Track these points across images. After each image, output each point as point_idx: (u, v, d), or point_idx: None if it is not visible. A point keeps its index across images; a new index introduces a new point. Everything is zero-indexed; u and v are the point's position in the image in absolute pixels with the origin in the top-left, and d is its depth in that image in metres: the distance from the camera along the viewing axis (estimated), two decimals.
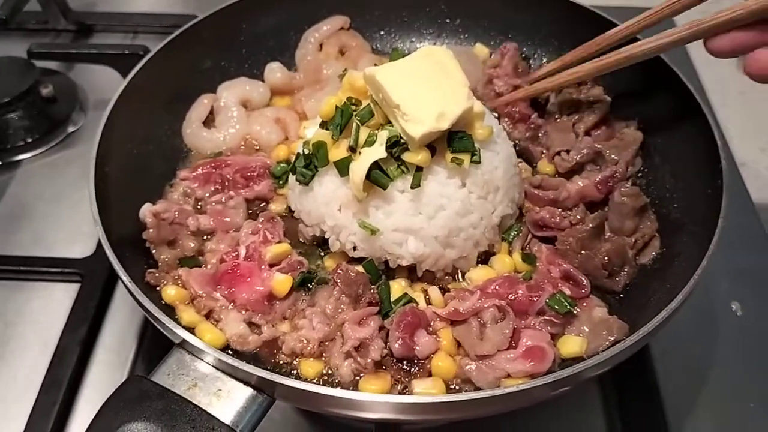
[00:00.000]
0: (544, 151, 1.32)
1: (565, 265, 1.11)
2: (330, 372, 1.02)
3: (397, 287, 1.10)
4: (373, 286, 1.08)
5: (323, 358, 1.03)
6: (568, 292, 1.07)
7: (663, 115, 1.29)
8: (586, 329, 1.04)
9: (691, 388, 1.23)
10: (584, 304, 1.07)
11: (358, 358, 0.99)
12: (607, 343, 1.01)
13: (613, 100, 1.34)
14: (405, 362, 1.02)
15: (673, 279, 1.04)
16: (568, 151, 1.28)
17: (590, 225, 1.13)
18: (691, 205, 1.16)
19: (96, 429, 0.83)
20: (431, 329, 1.05)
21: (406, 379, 1.01)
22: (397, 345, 1.00)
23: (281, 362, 1.04)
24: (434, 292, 1.12)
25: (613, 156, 1.25)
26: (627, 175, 1.25)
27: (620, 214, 1.15)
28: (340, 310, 1.06)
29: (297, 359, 1.03)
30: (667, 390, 1.21)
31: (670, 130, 1.27)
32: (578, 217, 1.17)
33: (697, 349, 1.28)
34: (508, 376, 0.99)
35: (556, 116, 1.36)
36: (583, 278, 1.09)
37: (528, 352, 1.00)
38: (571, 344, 1.02)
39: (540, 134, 1.33)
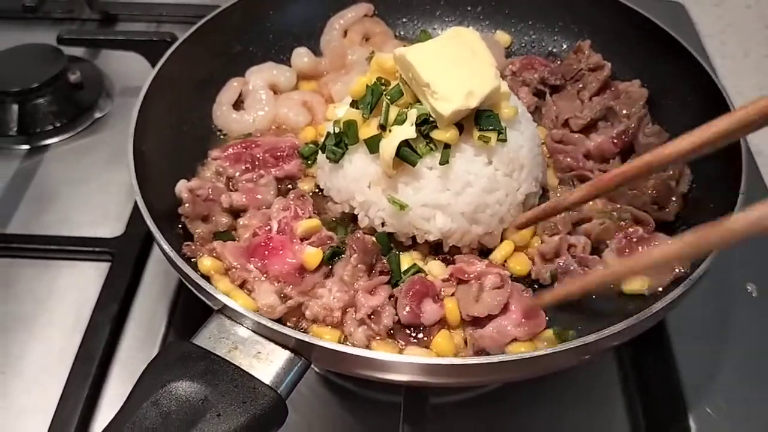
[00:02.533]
0: (551, 120, 1.36)
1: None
2: (345, 339, 1.06)
3: (407, 259, 1.14)
4: (383, 257, 1.12)
5: (342, 327, 1.07)
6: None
7: (664, 74, 1.34)
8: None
9: (707, 367, 1.25)
10: (655, 242, 1.12)
11: (372, 325, 1.04)
12: (666, 279, 1.06)
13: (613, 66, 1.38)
14: (411, 329, 1.07)
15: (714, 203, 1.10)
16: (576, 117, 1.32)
17: None
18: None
19: (142, 386, 0.86)
20: (437, 298, 1.09)
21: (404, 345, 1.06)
22: (405, 312, 1.05)
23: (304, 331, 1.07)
24: (436, 264, 1.15)
25: (623, 111, 1.29)
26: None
27: None
28: (357, 278, 1.09)
29: (311, 328, 1.06)
30: (685, 368, 1.23)
31: (671, 87, 1.33)
32: (616, 165, 1.23)
33: (713, 329, 1.31)
34: (515, 339, 1.03)
35: (559, 88, 1.40)
36: (647, 216, 1.15)
37: (519, 315, 1.05)
38: (634, 282, 1.07)
39: (543, 108, 1.38)
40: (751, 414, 1.20)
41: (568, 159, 1.26)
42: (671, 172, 1.20)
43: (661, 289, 1.07)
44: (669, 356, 1.25)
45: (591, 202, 1.18)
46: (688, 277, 0.99)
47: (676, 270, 1.07)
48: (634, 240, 1.14)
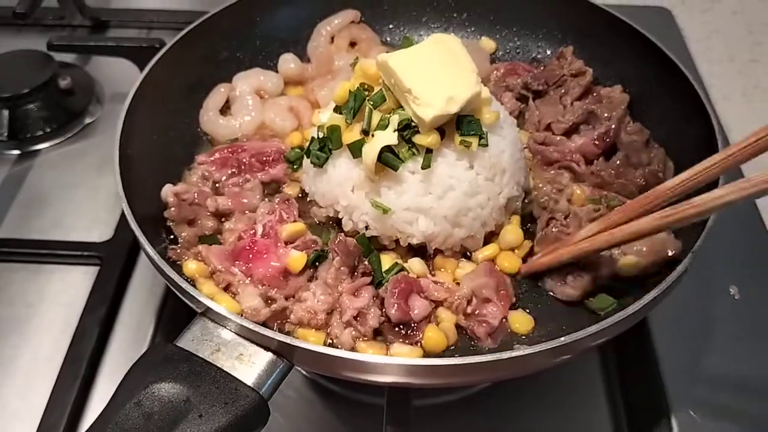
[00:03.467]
0: (534, 125, 1.37)
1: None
2: (331, 342, 1.07)
3: (388, 259, 1.15)
4: (365, 259, 1.13)
5: (327, 329, 1.08)
6: None
7: (646, 80, 1.36)
8: (644, 249, 1.10)
9: (690, 369, 1.26)
10: None
11: (358, 327, 1.05)
12: (659, 261, 1.09)
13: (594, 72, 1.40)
14: (402, 327, 1.08)
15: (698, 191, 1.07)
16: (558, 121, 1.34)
17: (617, 161, 1.24)
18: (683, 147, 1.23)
19: (125, 387, 0.87)
20: (423, 295, 1.10)
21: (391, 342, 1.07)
22: (393, 311, 1.05)
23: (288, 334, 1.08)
24: (416, 261, 1.17)
25: (605, 114, 1.31)
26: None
27: (634, 150, 1.24)
28: (341, 281, 1.10)
29: (297, 330, 1.07)
30: (667, 370, 1.25)
31: (653, 93, 1.35)
32: (601, 166, 1.25)
33: (696, 331, 1.32)
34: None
35: (542, 93, 1.42)
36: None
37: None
38: (627, 261, 1.10)
39: (527, 113, 1.40)
40: (733, 416, 1.21)
41: (556, 153, 1.28)
42: (657, 166, 1.22)
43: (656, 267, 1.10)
44: (652, 358, 1.26)
45: (579, 191, 1.22)
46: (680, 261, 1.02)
47: (670, 252, 1.09)
48: None
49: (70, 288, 1.40)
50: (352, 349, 1.04)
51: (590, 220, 1.14)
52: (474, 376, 1.02)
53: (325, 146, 1.17)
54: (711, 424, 1.20)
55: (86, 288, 1.37)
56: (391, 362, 0.93)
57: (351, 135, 1.13)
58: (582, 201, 1.21)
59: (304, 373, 1.26)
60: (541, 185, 1.27)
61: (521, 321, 1.09)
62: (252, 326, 0.92)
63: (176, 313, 1.33)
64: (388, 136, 1.10)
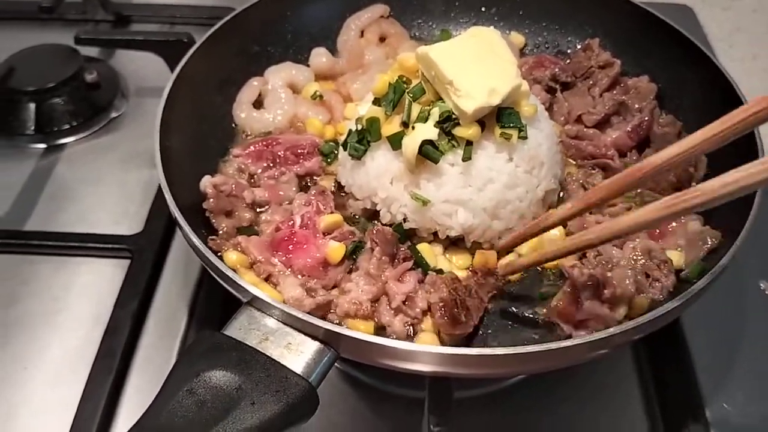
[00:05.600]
0: (563, 116, 1.38)
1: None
2: (382, 329, 1.07)
3: (426, 248, 1.16)
4: (402, 246, 1.15)
5: (374, 318, 1.08)
6: None
7: (674, 72, 1.37)
8: (683, 242, 1.12)
9: (723, 363, 1.27)
10: (681, 219, 1.14)
11: (408, 311, 1.06)
12: (704, 252, 1.09)
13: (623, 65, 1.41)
14: None
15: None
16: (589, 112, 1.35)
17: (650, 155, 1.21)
18: None
19: (176, 376, 0.87)
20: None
21: None
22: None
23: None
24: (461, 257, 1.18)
25: (635, 105, 1.32)
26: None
27: (666, 142, 1.23)
28: (383, 269, 1.10)
29: (346, 321, 1.08)
30: (700, 364, 1.25)
31: (684, 85, 1.36)
32: (634, 158, 1.27)
33: (727, 326, 1.32)
34: None
35: (570, 85, 1.43)
36: None
37: None
38: (672, 258, 1.09)
39: (555, 106, 1.40)
40: (767, 408, 1.21)
41: (590, 147, 1.29)
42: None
43: (701, 258, 1.10)
44: (685, 352, 1.27)
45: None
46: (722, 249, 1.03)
47: (710, 242, 1.10)
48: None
49: (100, 281, 1.39)
50: (408, 337, 1.05)
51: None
52: (516, 366, 1.01)
53: (364, 138, 1.17)
54: (745, 416, 1.20)
55: (117, 281, 1.36)
56: (436, 351, 0.94)
57: (390, 127, 1.14)
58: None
59: (339, 366, 1.26)
60: (572, 179, 1.28)
61: None
62: (300, 314, 0.92)
63: (210, 305, 1.33)
64: (429, 130, 1.11)
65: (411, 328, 1.07)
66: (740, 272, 1.38)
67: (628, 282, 1.03)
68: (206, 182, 1.18)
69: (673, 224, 1.15)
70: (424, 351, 0.92)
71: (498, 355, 0.92)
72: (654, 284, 1.06)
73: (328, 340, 0.93)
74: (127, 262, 1.40)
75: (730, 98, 1.23)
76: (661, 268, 1.06)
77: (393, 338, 1.05)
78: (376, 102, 1.18)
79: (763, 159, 0.83)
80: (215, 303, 1.32)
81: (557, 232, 1.16)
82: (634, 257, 1.09)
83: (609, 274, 1.03)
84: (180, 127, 1.26)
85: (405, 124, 1.13)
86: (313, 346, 0.92)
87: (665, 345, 1.27)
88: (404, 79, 1.17)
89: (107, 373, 1.22)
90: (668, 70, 1.38)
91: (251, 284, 0.98)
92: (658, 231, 1.15)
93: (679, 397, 1.22)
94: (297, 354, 0.91)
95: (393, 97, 1.14)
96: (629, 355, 1.29)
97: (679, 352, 1.27)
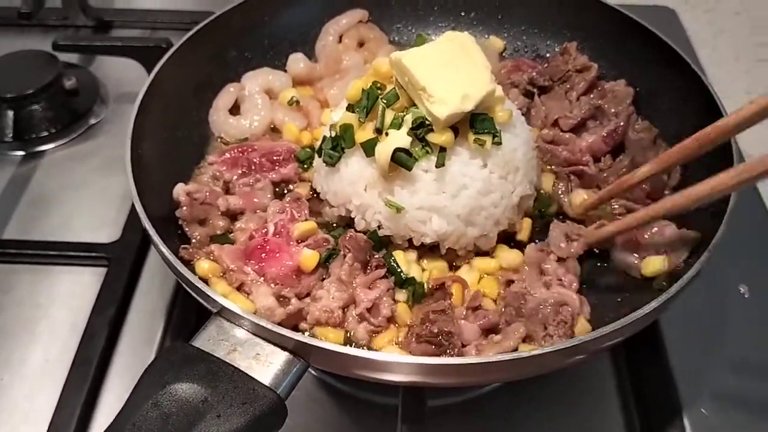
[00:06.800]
0: (541, 120, 1.38)
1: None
2: (349, 337, 1.07)
3: (402, 257, 1.15)
4: (376, 253, 1.14)
5: (345, 326, 1.08)
6: None
7: (654, 76, 1.37)
8: (664, 249, 1.13)
9: (702, 368, 1.26)
10: (654, 229, 1.15)
11: (371, 319, 1.05)
12: (683, 256, 1.11)
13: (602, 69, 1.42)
14: None
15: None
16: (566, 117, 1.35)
17: (625, 162, 1.25)
18: None
19: (142, 388, 0.86)
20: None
21: None
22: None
23: (303, 332, 1.08)
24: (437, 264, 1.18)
25: (612, 109, 1.32)
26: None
27: (641, 148, 1.26)
28: (354, 276, 1.10)
29: (315, 328, 1.08)
30: (679, 369, 1.24)
31: (662, 89, 1.36)
32: (608, 163, 1.26)
33: (707, 331, 1.32)
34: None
35: (547, 89, 1.42)
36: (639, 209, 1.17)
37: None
38: (653, 263, 1.12)
39: (533, 110, 1.40)
40: (745, 413, 1.21)
41: (566, 152, 1.28)
42: None
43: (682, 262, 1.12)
44: (663, 357, 1.26)
45: (586, 196, 1.23)
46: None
47: (690, 243, 1.12)
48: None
49: (78, 289, 1.38)
50: (369, 343, 1.05)
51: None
52: (488, 375, 1.01)
53: (338, 145, 1.17)
54: (723, 422, 1.19)
55: (94, 289, 1.36)
56: (408, 361, 0.93)
57: (364, 134, 1.13)
58: (585, 207, 1.22)
59: (314, 373, 1.25)
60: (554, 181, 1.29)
61: None
62: (269, 325, 0.91)
63: (186, 313, 1.32)
64: (402, 138, 1.10)
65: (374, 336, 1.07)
66: (719, 276, 1.38)
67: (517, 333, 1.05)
68: (179, 190, 1.17)
69: (648, 233, 1.15)
70: (393, 361, 0.91)
71: (471, 364, 0.92)
72: (546, 338, 1.05)
73: (297, 350, 0.92)
74: (104, 270, 1.39)
75: (708, 102, 1.23)
76: (558, 326, 1.05)
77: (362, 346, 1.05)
78: (350, 108, 1.17)
79: None
80: (192, 311, 1.31)
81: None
82: (544, 305, 1.08)
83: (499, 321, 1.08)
84: (154, 134, 1.25)
85: (378, 131, 1.12)
86: (282, 356, 0.92)
87: (644, 350, 1.27)
88: (378, 84, 1.16)
89: (83, 381, 1.22)
90: (646, 74, 1.38)
91: (221, 294, 0.98)
92: (634, 239, 1.16)
93: (658, 402, 1.21)
94: (265, 365, 0.91)
95: (366, 104, 1.13)
96: (608, 361, 1.28)
97: (658, 357, 1.26)
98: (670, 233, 1.15)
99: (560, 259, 1.15)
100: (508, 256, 1.18)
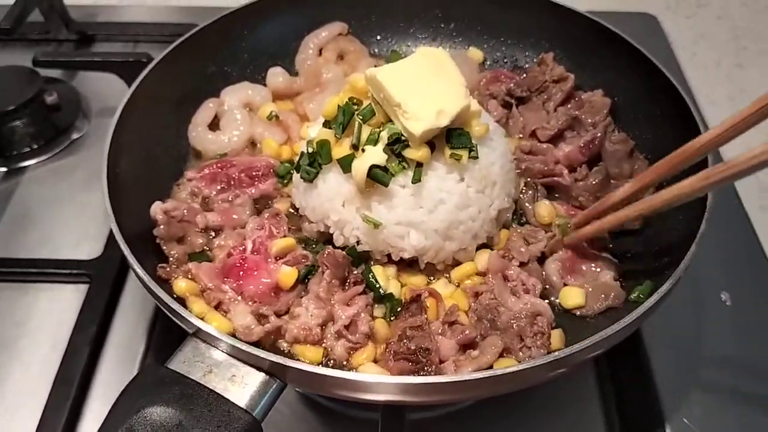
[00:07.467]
0: (519, 131, 1.39)
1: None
2: (327, 355, 1.07)
3: (380, 271, 1.16)
4: (355, 269, 1.14)
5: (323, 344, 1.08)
6: None
7: (632, 86, 1.38)
8: (590, 288, 1.13)
9: (684, 377, 1.26)
10: (598, 267, 1.16)
11: (349, 336, 1.05)
12: (600, 306, 1.11)
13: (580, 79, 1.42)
14: None
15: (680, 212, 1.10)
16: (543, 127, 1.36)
17: (599, 176, 1.25)
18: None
19: (117, 413, 0.86)
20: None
21: None
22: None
23: (282, 351, 1.08)
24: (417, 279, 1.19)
25: (589, 120, 1.33)
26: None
27: (616, 160, 1.26)
28: (332, 293, 1.10)
29: (294, 347, 1.07)
30: (661, 378, 1.25)
31: (640, 99, 1.36)
32: (583, 173, 1.26)
33: (689, 338, 1.32)
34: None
35: (525, 99, 1.43)
36: None
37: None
38: (574, 295, 1.13)
39: (511, 120, 1.40)
40: (727, 423, 1.21)
41: (539, 164, 1.29)
42: None
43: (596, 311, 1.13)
44: (646, 366, 1.27)
45: (552, 207, 1.23)
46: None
47: (610, 301, 1.12)
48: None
49: (59, 306, 1.38)
50: (347, 360, 1.05)
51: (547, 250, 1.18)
52: (469, 392, 1.01)
53: (315, 161, 1.17)
54: (705, 431, 1.19)
55: (76, 306, 1.35)
56: (384, 381, 0.93)
57: (341, 150, 1.13)
58: (552, 217, 1.23)
59: (297, 389, 1.25)
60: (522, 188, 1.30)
61: None
62: (244, 347, 0.91)
63: (168, 330, 1.31)
64: (378, 154, 1.10)
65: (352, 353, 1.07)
66: (701, 284, 1.38)
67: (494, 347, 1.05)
68: (156, 209, 1.17)
69: (591, 266, 1.17)
70: (369, 381, 0.91)
71: (449, 382, 0.92)
72: (524, 350, 1.06)
73: (273, 371, 0.92)
74: (86, 286, 1.39)
75: (684, 112, 1.23)
76: (536, 338, 1.06)
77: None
78: (327, 124, 1.17)
79: None
80: (175, 327, 1.30)
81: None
82: (518, 317, 1.08)
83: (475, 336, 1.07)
84: (133, 150, 1.25)
85: (355, 147, 1.12)
86: (259, 377, 0.92)
87: (626, 359, 1.27)
88: (354, 100, 1.16)
89: (64, 401, 1.21)
90: (623, 84, 1.38)
91: (198, 314, 0.98)
92: (572, 264, 1.16)
93: (640, 412, 1.22)
94: (241, 386, 0.91)
95: (342, 120, 1.14)
96: (590, 371, 1.28)
97: (640, 366, 1.27)
98: (603, 280, 1.15)
99: (522, 264, 1.15)
100: (482, 257, 1.19)
